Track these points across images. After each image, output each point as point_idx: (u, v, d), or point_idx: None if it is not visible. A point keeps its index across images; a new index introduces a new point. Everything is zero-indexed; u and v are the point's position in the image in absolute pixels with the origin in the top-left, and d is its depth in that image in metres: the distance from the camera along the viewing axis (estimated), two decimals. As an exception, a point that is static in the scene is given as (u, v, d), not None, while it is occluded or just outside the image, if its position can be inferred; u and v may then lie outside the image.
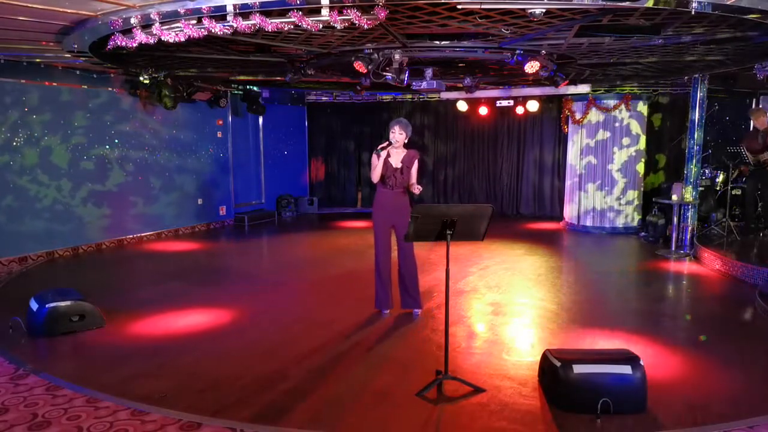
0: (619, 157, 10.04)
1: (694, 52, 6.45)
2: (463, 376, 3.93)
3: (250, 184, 11.91)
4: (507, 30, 5.27)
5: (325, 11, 4.20)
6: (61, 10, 4.67)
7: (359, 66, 6.17)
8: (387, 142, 5.17)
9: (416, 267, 5.42)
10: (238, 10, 4.30)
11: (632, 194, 10.13)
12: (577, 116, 10.34)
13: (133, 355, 4.51)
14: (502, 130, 12.42)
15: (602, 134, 10.12)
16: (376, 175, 5.23)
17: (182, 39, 4.59)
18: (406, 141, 5.29)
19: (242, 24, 4.37)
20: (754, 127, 8.46)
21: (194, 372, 4.15)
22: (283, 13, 4.29)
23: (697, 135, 8.58)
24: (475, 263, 7.67)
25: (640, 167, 10.15)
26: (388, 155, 5.23)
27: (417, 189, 5.24)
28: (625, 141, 10.03)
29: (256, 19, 4.32)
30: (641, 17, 4.75)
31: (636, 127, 10.04)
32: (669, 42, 5.69)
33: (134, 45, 4.87)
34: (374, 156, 5.25)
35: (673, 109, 11.06)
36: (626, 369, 3.48)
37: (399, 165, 5.26)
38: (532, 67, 6.18)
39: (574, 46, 6.16)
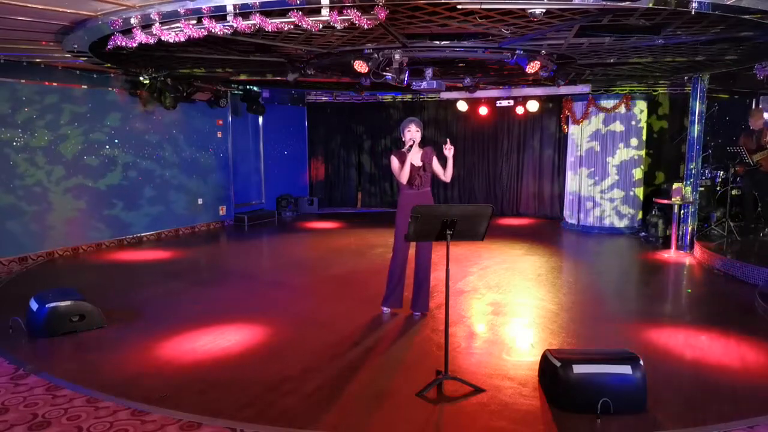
0: (618, 155, 10.04)
1: (695, 52, 6.45)
2: (463, 376, 3.93)
3: (250, 184, 11.91)
4: (507, 30, 5.27)
5: (325, 11, 4.20)
6: (61, 10, 4.67)
7: (360, 66, 6.16)
8: (411, 141, 5.14)
9: (430, 271, 5.43)
10: (238, 10, 4.30)
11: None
12: (577, 116, 10.35)
13: (133, 355, 4.51)
14: (502, 130, 12.41)
15: (601, 133, 10.13)
16: (404, 176, 5.20)
17: (182, 39, 4.59)
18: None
19: (242, 24, 4.37)
20: (750, 128, 8.46)
21: (194, 372, 4.16)
22: (283, 13, 4.29)
23: (697, 133, 8.57)
24: (475, 263, 7.67)
25: (637, 172, 10.12)
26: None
27: (448, 149, 5.06)
28: (623, 140, 10.03)
29: (256, 19, 4.32)
30: (641, 17, 4.75)
31: (635, 127, 10.04)
32: (669, 42, 5.69)
33: (134, 45, 4.87)
34: (393, 159, 5.24)
35: (672, 108, 11.07)
36: (626, 369, 3.49)
37: (420, 164, 5.27)
38: (532, 67, 6.19)
39: (574, 46, 6.16)
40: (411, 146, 5.12)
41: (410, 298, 5.50)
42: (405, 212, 5.22)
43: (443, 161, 5.28)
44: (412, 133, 5.16)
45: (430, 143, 12.62)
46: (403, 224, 5.25)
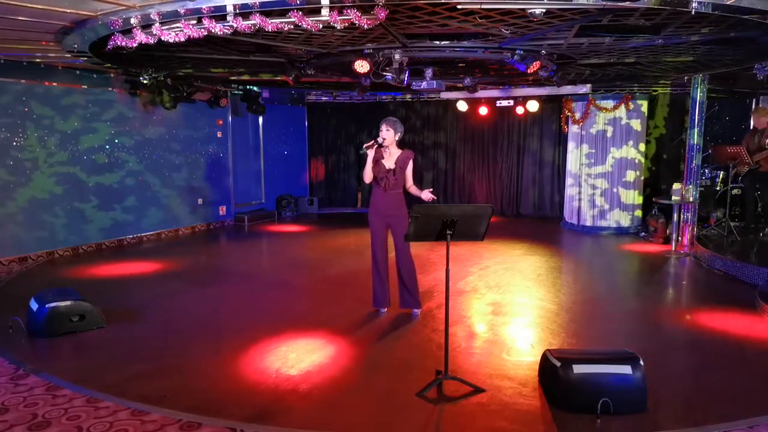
0: (617, 152, 10.06)
1: (694, 52, 6.45)
2: (463, 376, 3.93)
3: (250, 184, 11.91)
4: (507, 30, 5.27)
5: (325, 11, 4.20)
6: (61, 10, 4.67)
7: (360, 65, 6.16)
8: (372, 141, 5.11)
9: (414, 266, 5.41)
10: (238, 10, 4.30)
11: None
12: (577, 116, 10.35)
13: (133, 355, 4.51)
14: (502, 130, 12.41)
15: (601, 133, 10.14)
16: (366, 176, 5.19)
17: (182, 39, 4.59)
18: (397, 139, 5.21)
19: (242, 24, 4.37)
20: (753, 126, 8.47)
21: (194, 372, 4.16)
22: (283, 13, 4.29)
23: (696, 135, 8.58)
24: (475, 263, 7.67)
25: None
26: (381, 156, 5.21)
27: (427, 196, 4.94)
28: (622, 139, 10.04)
29: (256, 19, 4.32)
30: (641, 17, 4.75)
31: (634, 127, 10.05)
32: (669, 42, 5.69)
33: (134, 45, 4.87)
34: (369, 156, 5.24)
35: (672, 108, 11.07)
36: (626, 369, 3.48)
37: (392, 166, 5.21)
38: (532, 68, 6.20)
39: (574, 46, 6.16)
40: (371, 146, 5.07)
41: (401, 297, 5.50)
42: (374, 211, 5.33)
43: (418, 185, 5.32)
44: (382, 133, 5.15)
45: (430, 144, 12.80)
46: (374, 223, 5.35)
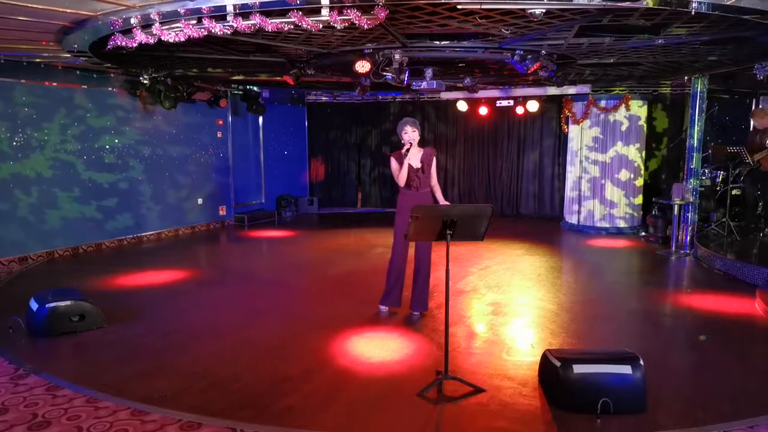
0: (614, 150, 10.07)
1: (694, 52, 6.45)
2: (463, 376, 3.93)
3: (250, 184, 11.91)
4: (507, 30, 5.27)
5: (325, 11, 4.20)
6: (61, 10, 4.67)
7: (361, 66, 6.15)
8: (409, 144, 5.12)
9: (430, 270, 5.43)
10: (238, 10, 4.30)
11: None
12: (577, 116, 10.35)
13: (133, 355, 4.51)
14: (502, 130, 12.41)
15: (600, 133, 10.14)
16: (402, 179, 5.20)
17: (182, 39, 4.59)
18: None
19: (242, 24, 4.38)
20: (754, 126, 8.49)
21: (194, 372, 4.15)
22: (283, 13, 4.29)
23: (697, 134, 8.58)
24: (475, 263, 7.67)
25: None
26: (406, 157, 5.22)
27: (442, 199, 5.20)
28: (621, 139, 10.04)
29: (256, 19, 4.32)
30: (641, 17, 4.75)
31: (634, 127, 10.04)
32: (669, 42, 5.69)
33: (134, 45, 4.88)
34: (393, 161, 5.24)
35: (672, 108, 11.07)
36: (626, 369, 3.48)
37: (419, 165, 5.24)
38: (533, 68, 6.20)
39: (574, 46, 6.16)
40: (409, 149, 5.11)
41: (410, 298, 5.50)
42: (403, 212, 5.24)
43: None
44: (409, 134, 5.15)
45: (430, 144, 12.78)
46: (402, 224, 5.27)
